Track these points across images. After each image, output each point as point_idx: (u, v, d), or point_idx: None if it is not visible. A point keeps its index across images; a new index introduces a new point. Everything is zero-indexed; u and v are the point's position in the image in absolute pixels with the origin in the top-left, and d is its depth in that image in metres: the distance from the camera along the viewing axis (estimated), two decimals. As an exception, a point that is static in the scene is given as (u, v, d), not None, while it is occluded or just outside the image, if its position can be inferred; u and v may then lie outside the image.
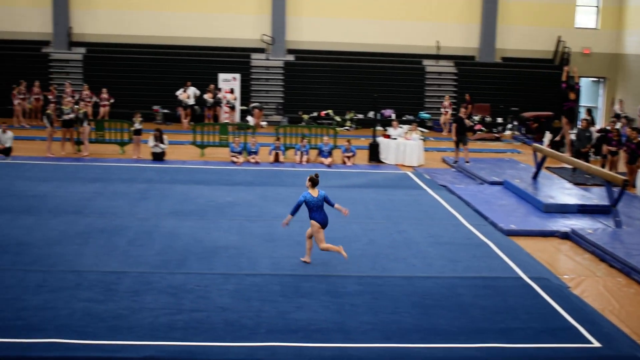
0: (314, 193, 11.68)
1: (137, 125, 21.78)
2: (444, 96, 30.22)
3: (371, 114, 28.25)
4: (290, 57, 31.73)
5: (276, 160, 21.52)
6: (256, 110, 28.62)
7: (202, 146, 22.59)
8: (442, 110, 29.52)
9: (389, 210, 15.95)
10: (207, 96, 28.28)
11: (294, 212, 11.70)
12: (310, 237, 11.85)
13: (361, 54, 31.88)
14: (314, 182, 11.77)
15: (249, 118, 28.48)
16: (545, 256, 13.21)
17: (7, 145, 20.33)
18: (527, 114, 28.69)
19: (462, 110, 23.25)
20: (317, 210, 11.63)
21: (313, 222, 11.63)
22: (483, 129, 29.21)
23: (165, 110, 29.64)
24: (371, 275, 11.44)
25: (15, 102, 27.31)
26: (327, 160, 21.40)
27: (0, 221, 13.81)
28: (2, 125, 20.64)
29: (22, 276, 10.78)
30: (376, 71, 31.07)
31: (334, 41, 31.93)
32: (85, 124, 21.80)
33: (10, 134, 20.61)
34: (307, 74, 31.03)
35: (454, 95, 30.90)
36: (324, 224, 11.68)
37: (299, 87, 30.81)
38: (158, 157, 21.13)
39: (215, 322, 9.37)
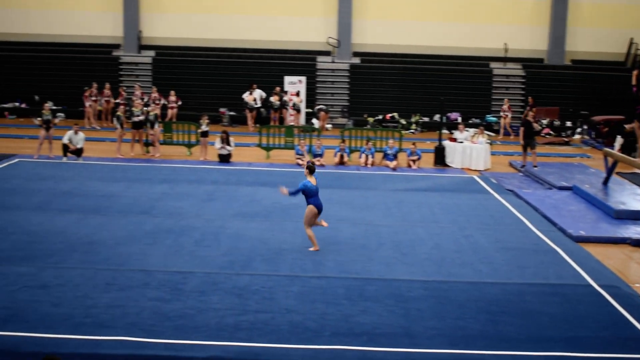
0: (313, 181, 12.48)
1: (203, 127, 22.05)
2: (511, 99, 29.78)
3: (437, 117, 28.02)
4: (356, 60, 31.71)
5: (341, 162, 21.52)
6: (322, 113, 28.69)
7: (267, 148, 22.73)
8: (502, 114, 29.03)
9: (454, 215, 15.79)
10: (273, 99, 28.45)
11: (292, 194, 12.63)
12: (309, 225, 12.55)
13: (427, 56, 31.62)
14: (311, 169, 12.70)
15: (315, 120, 28.56)
16: (616, 264, 12.90)
17: (79, 146, 20.80)
18: (597, 118, 28.04)
19: (529, 113, 22.84)
20: (315, 196, 12.44)
21: (311, 206, 12.41)
22: (551, 132, 28.67)
23: (232, 113, 29.95)
24: (437, 280, 11.34)
25: (87, 104, 27.97)
26: (392, 164, 21.30)
27: (71, 220, 14.15)
28: (74, 126, 21.12)
29: (91, 275, 11.01)
30: (442, 74, 30.77)
31: (399, 44, 31.76)
32: (155, 126, 22.17)
33: (81, 135, 21.08)
34: (373, 76, 30.94)
35: (522, 98, 30.41)
36: (320, 209, 12.50)
37: (364, 90, 30.73)
38: (224, 159, 21.35)
39: (280, 324, 9.41)
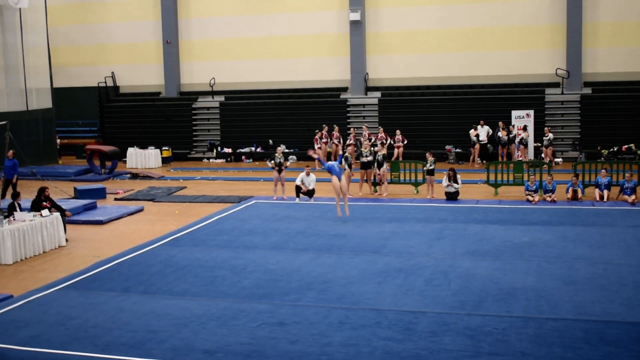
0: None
1: (429, 166, 22.06)
2: None
3: (680, 147, 26.15)
4: (587, 90, 30.41)
5: (574, 198, 20.61)
6: (544, 149, 27.58)
7: (495, 185, 22.30)
8: None
9: None
10: (501, 134, 27.97)
11: (322, 163, 19.63)
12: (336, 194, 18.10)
13: (667, 82, 29.69)
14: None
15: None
16: None
17: (311, 187, 21.60)
18: None
19: None
20: (337, 171, 18.05)
21: (334, 178, 17.94)
22: None
23: (458, 150, 29.81)
24: (688, 325, 10.44)
25: (316, 146, 29.09)
26: (631, 198, 20.05)
27: (306, 259, 14.67)
28: (305, 168, 22.00)
29: (325, 313, 11.30)
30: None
31: (635, 70, 30.05)
32: (383, 165, 22.53)
33: (313, 176, 21.88)
34: (606, 106, 29.49)
35: None
36: (339, 177, 18.05)
37: (597, 121, 29.36)
38: (452, 196, 21.22)
39: (515, 368, 9.09)
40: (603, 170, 20.94)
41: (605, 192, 20.49)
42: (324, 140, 29.31)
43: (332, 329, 10.58)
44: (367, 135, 28.73)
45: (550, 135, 27.41)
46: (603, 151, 27.64)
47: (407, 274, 13.42)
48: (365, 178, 22.89)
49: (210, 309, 11.57)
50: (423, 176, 22.65)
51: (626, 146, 27.97)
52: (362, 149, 22.85)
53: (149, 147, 31.99)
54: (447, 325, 10.58)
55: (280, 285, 12.86)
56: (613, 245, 15.30)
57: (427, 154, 22.42)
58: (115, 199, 23.28)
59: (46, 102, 33.10)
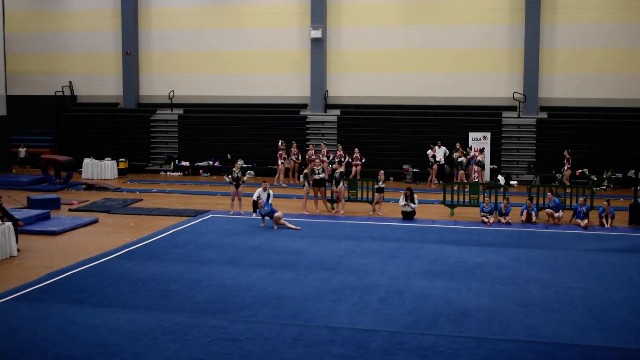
0: None
1: (380, 184, 22.27)
2: None
3: (632, 173, 26.65)
4: (543, 115, 30.91)
5: (528, 220, 20.89)
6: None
7: (452, 205, 22.50)
8: None
9: (653, 278, 14.80)
10: (456, 155, 28.26)
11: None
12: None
13: (621, 109, 30.28)
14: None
15: (500, 177, 28.03)
16: None
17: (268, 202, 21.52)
18: None
19: None
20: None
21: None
22: None
23: (415, 170, 30.05)
24: (635, 349, 10.62)
25: (279, 162, 29.11)
26: (584, 222, 20.38)
27: (261, 275, 14.62)
28: (263, 184, 21.89)
29: (279, 329, 11.27)
30: (638, 127, 29.32)
31: (590, 97, 30.65)
32: (341, 183, 22.58)
33: (270, 192, 21.79)
34: (561, 131, 29.99)
35: None
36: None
37: (552, 145, 29.81)
38: (408, 216, 21.36)
39: (467, 388, 9.16)
40: (549, 194, 21.28)
41: (559, 213, 20.82)
42: (284, 156, 29.32)
43: (286, 346, 10.56)
44: (325, 153, 28.86)
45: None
46: (557, 175, 28.09)
47: (362, 292, 13.46)
48: (319, 195, 22.89)
49: (163, 323, 11.46)
50: (372, 194, 22.81)
51: (580, 171, 28.46)
52: (314, 167, 22.85)
53: (106, 158, 31.66)
54: (401, 344, 10.63)
55: (235, 301, 12.80)
56: (565, 268, 15.52)
57: (379, 172, 22.60)
58: (70, 210, 22.97)
59: (0, 110, 32.56)
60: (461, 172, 27.63)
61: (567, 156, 27.38)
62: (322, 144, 30.09)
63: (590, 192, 22.15)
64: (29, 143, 35.74)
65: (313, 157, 27.65)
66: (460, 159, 27.84)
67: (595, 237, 18.99)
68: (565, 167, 27.37)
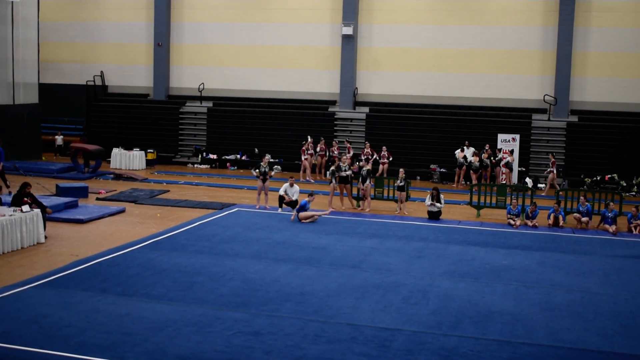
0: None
1: (399, 182, 22.23)
2: None
3: (662, 180, 26.35)
4: (574, 118, 30.61)
5: (555, 224, 20.70)
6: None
7: (478, 207, 22.36)
8: None
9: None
10: (484, 156, 28.07)
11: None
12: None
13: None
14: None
15: (528, 180, 27.81)
16: None
17: (294, 198, 21.54)
18: None
19: None
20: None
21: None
22: None
23: (443, 170, 29.91)
24: (661, 357, 10.49)
25: (303, 157, 29.13)
26: (612, 228, 20.16)
27: (285, 270, 14.64)
28: (289, 179, 21.97)
29: (302, 325, 11.27)
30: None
31: (622, 101, 30.31)
32: (368, 181, 22.54)
33: (296, 187, 21.84)
34: (591, 135, 29.67)
35: None
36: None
37: (581, 149, 29.54)
38: (434, 216, 21.26)
39: (489, 391, 9.10)
40: (582, 198, 21.07)
41: (586, 219, 20.61)
42: (309, 151, 29.34)
43: (308, 342, 10.55)
44: (349, 150, 28.90)
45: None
46: (586, 179, 27.81)
47: (386, 290, 13.42)
48: (344, 192, 22.87)
49: (186, 315, 11.52)
50: (393, 192, 22.79)
51: (609, 176, 28.14)
52: (340, 164, 22.84)
53: (134, 149, 31.84)
54: (423, 345, 10.59)
55: (258, 295, 12.82)
56: (591, 273, 15.37)
57: (399, 171, 22.53)
58: (97, 199, 23.15)
59: (33, 97, 32.91)
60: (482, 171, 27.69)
61: (552, 159, 27.30)
62: (345, 140, 30.21)
63: (619, 197, 21.90)
64: (57, 132, 36.08)
65: (336, 152, 27.75)
66: (487, 160, 27.69)
67: (623, 243, 18.77)
68: (548, 170, 27.43)
